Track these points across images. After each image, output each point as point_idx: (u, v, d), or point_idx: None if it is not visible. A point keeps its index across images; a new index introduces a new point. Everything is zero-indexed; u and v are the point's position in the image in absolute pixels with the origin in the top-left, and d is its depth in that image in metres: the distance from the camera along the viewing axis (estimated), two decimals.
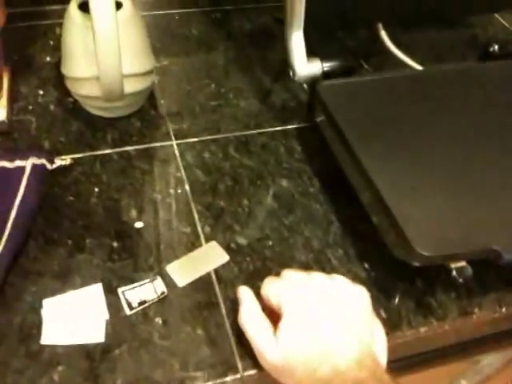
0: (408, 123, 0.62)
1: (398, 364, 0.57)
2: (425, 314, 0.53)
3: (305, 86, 0.75)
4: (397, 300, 0.54)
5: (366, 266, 0.56)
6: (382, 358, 0.46)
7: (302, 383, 0.44)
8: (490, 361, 0.94)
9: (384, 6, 0.72)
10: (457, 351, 0.63)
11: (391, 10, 0.72)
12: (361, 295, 0.47)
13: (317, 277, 0.48)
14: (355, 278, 0.55)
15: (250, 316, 0.47)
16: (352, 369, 0.43)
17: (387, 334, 0.51)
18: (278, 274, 0.51)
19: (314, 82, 0.66)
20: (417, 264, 0.49)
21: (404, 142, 0.59)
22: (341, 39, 0.85)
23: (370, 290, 0.53)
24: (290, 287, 0.47)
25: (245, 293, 0.49)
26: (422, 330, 0.52)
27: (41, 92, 0.72)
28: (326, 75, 0.66)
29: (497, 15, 0.94)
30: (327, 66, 0.64)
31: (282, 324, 0.45)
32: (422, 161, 0.57)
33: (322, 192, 0.63)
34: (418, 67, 0.72)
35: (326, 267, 0.56)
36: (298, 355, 0.44)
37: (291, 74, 0.65)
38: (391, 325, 0.52)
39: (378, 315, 0.52)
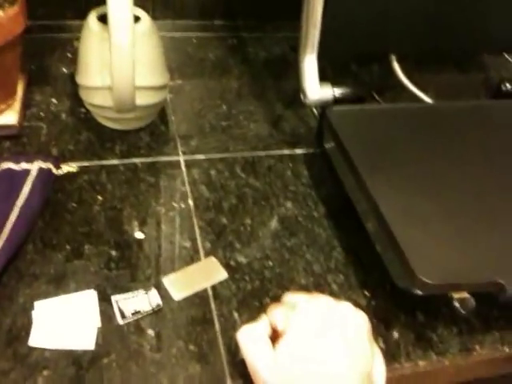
0: (417, 154, 0.62)
1: None
2: (424, 348, 0.52)
3: (315, 111, 0.76)
4: (396, 331, 0.53)
5: (367, 294, 0.55)
6: None
7: None
8: None
9: (398, 40, 0.72)
10: None
11: (405, 43, 0.72)
12: (363, 324, 0.46)
13: (323, 300, 0.47)
14: (355, 306, 0.53)
15: (254, 332, 0.45)
16: None
17: (386, 365, 0.49)
18: (276, 296, 0.50)
19: (324, 107, 0.66)
20: (419, 292, 0.48)
21: (412, 173, 0.59)
22: (354, 72, 0.86)
23: (369, 318, 0.52)
24: (298, 312, 0.45)
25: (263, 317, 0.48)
26: (421, 363, 0.51)
27: (54, 101, 0.73)
28: (336, 102, 0.66)
29: (510, 58, 0.95)
30: (339, 92, 0.64)
31: (282, 342, 0.43)
32: (430, 191, 0.56)
33: (327, 217, 0.62)
34: (430, 102, 0.72)
35: (325, 292, 0.55)
36: (297, 377, 0.42)
37: (302, 97, 0.66)
38: (389, 356, 0.51)
39: (377, 345, 0.51)
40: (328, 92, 0.64)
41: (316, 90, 0.64)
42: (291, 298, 0.48)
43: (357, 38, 0.71)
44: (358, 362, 0.43)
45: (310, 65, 0.63)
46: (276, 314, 0.46)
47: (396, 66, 0.74)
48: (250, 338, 0.45)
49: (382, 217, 0.52)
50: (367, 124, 0.63)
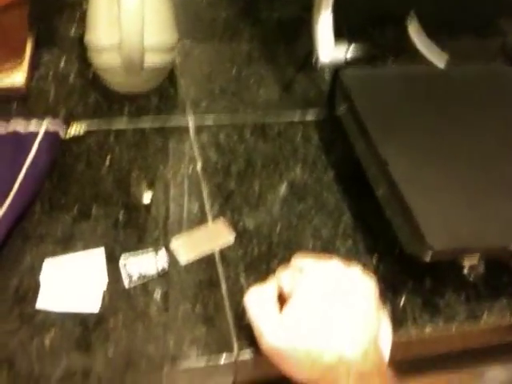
0: (430, 120, 0.60)
1: (400, 367, 0.55)
2: (431, 314, 0.51)
3: (326, 77, 0.74)
4: (403, 297, 0.52)
5: (375, 259, 0.55)
6: (386, 353, 0.44)
7: (302, 368, 0.42)
8: (495, 375, 0.91)
9: (415, 1, 0.70)
10: (461, 360, 0.61)
11: (423, 4, 0.70)
12: (371, 288, 0.45)
13: (332, 264, 0.46)
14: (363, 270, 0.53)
15: (260, 295, 0.45)
16: (357, 359, 0.41)
17: (393, 331, 0.49)
18: (283, 260, 0.50)
19: (337, 69, 0.64)
20: (429, 258, 0.47)
21: (424, 137, 0.58)
22: (369, 34, 0.84)
23: (377, 284, 0.52)
24: (305, 275, 0.45)
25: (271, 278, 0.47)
26: (427, 329, 0.51)
27: (62, 62, 0.72)
28: (350, 63, 0.64)
29: None
30: (353, 52, 0.62)
31: (288, 305, 0.43)
32: (442, 156, 0.55)
33: (336, 182, 0.62)
34: (445, 66, 0.70)
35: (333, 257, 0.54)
36: (303, 339, 0.42)
37: (315, 57, 0.64)
38: (396, 321, 0.50)
39: (384, 310, 0.51)
40: (342, 52, 0.62)
41: (330, 49, 0.62)
42: (300, 260, 0.47)
43: None
44: (364, 327, 0.43)
45: (324, 22, 0.61)
46: (283, 277, 0.46)
47: (412, 29, 0.72)
48: (256, 300, 0.45)
49: (393, 182, 0.51)
50: (381, 87, 0.62)
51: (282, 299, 0.45)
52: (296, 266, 0.47)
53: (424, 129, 0.58)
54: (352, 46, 0.64)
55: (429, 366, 0.59)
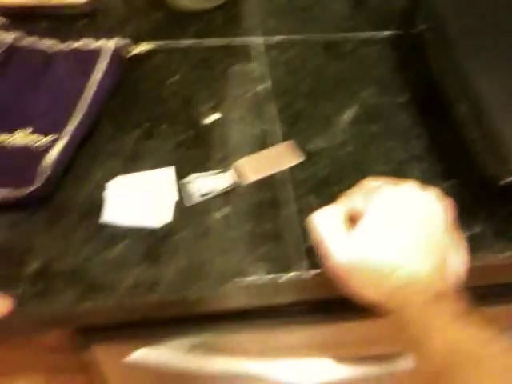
0: None
1: (474, 292, 0.53)
2: (509, 240, 0.48)
3: None
4: (480, 222, 0.50)
5: (451, 183, 0.52)
6: (456, 278, 0.43)
7: (371, 286, 0.41)
8: None
9: None
10: None
11: None
12: (445, 210, 0.43)
13: (406, 187, 0.44)
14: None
15: (328, 214, 0.44)
16: (433, 277, 0.40)
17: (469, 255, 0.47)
18: (353, 182, 0.47)
19: None
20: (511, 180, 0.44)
21: None
22: None
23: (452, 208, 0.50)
24: (377, 192, 0.43)
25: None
26: (503, 255, 0.48)
27: None
28: None
29: None
30: None
31: (360, 223, 0.42)
32: None
33: (412, 103, 0.58)
34: None
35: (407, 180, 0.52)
36: (374, 254, 0.41)
37: None
38: (471, 246, 0.48)
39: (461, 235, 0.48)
40: None
41: None
42: (372, 182, 0.45)
43: None
44: (434, 249, 0.41)
45: None
46: (356, 197, 0.44)
47: None
48: (324, 219, 0.44)
49: (479, 100, 0.47)
50: (468, 3, 0.56)
51: (352, 221, 0.43)
52: (369, 187, 0.45)
53: None
54: None
55: (505, 293, 0.57)
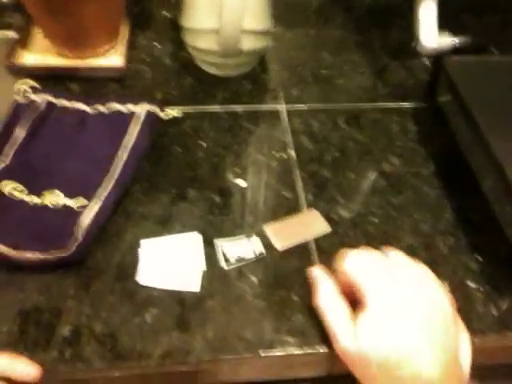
0: None
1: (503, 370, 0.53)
2: None
3: (427, 63, 0.71)
4: (510, 299, 0.49)
5: (480, 258, 0.52)
6: (467, 367, 0.42)
7: (375, 379, 0.40)
8: None
9: None
10: None
11: None
12: (447, 301, 0.43)
13: (404, 267, 0.44)
14: (466, 270, 0.51)
15: (329, 297, 0.44)
16: (437, 378, 0.39)
17: (497, 333, 0.47)
18: None
19: (438, 57, 0.61)
20: None
21: None
22: (467, 23, 0.80)
23: (481, 284, 0.50)
24: (376, 276, 0.43)
25: (320, 274, 0.46)
26: None
27: (157, 45, 0.73)
28: (452, 52, 0.61)
29: None
30: (459, 40, 0.59)
31: (363, 315, 0.41)
32: None
33: (437, 176, 0.59)
34: None
35: (434, 254, 0.52)
36: (377, 353, 0.40)
37: (416, 46, 0.61)
38: (501, 325, 0.48)
39: (489, 313, 0.48)
40: (447, 40, 0.59)
41: (434, 37, 0.59)
42: (371, 256, 0.45)
43: None
44: (445, 343, 0.40)
45: (427, 10, 0.59)
46: (347, 263, 0.44)
47: None
48: (324, 301, 0.44)
49: (503, 174, 0.48)
50: (488, 77, 0.58)
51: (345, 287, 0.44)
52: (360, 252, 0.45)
53: None
54: (457, 36, 0.61)
55: None
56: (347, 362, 0.42)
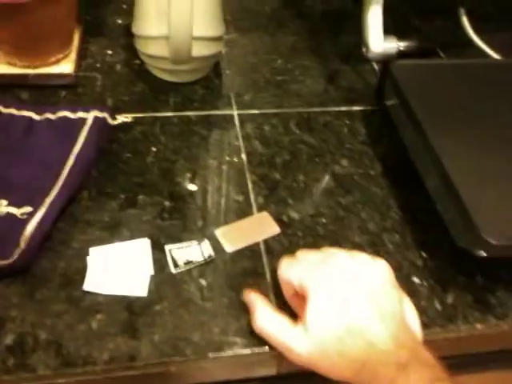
0: (484, 112, 0.58)
1: (449, 364, 0.54)
2: (482, 311, 0.50)
3: (375, 67, 0.73)
4: (453, 293, 0.51)
5: (424, 254, 0.53)
6: (417, 331, 0.43)
7: (340, 370, 0.41)
8: None
9: None
10: None
11: None
12: (383, 269, 0.44)
13: (336, 254, 0.45)
14: (411, 266, 0.52)
15: (265, 318, 0.45)
16: (389, 347, 0.40)
17: (441, 326, 0.48)
18: None
19: (385, 62, 0.63)
20: (483, 254, 0.46)
21: (478, 130, 0.56)
22: (415, 27, 0.82)
23: (426, 279, 0.51)
24: (312, 268, 0.44)
25: (254, 298, 0.47)
26: (478, 326, 0.49)
27: (109, 52, 0.72)
28: (400, 56, 0.63)
29: None
30: (404, 45, 0.61)
31: (307, 310, 0.42)
32: (497, 149, 0.54)
33: (384, 176, 0.60)
34: (498, 58, 0.68)
35: (380, 251, 0.53)
36: (329, 338, 0.41)
37: (364, 51, 0.63)
38: (445, 318, 0.49)
39: (433, 307, 0.49)
40: (392, 45, 0.61)
41: (380, 42, 0.61)
42: (304, 255, 0.46)
43: None
44: (387, 312, 0.42)
45: (374, 16, 0.60)
46: (289, 272, 0.45)
47: (465, 21, 0.70)
48: (263, 322, 0.45)
49: (446, 174, 0.50)
50: (433, 80, 0.60)
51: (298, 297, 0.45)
52: (302, 261, 0.46)
53: (479, 121, 0.57)
54: (402, 41, 0.63)
55: (479, 364, 0.57)
56: (310, 366, 0.42)
